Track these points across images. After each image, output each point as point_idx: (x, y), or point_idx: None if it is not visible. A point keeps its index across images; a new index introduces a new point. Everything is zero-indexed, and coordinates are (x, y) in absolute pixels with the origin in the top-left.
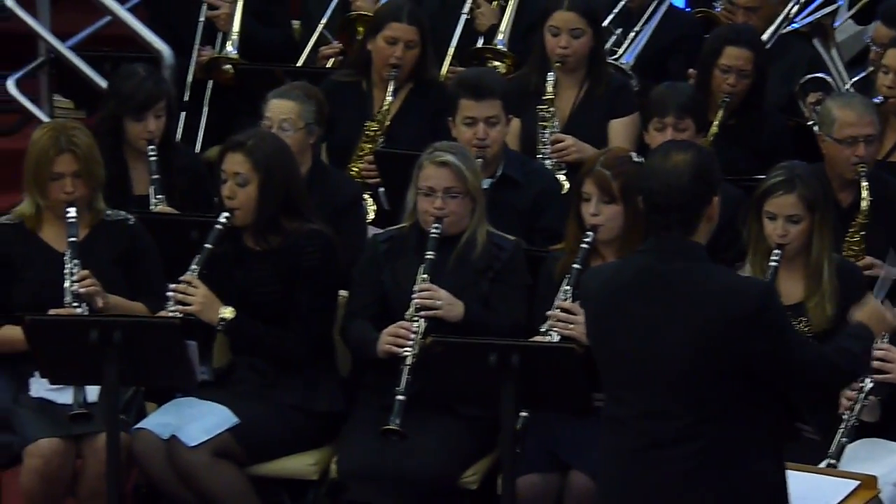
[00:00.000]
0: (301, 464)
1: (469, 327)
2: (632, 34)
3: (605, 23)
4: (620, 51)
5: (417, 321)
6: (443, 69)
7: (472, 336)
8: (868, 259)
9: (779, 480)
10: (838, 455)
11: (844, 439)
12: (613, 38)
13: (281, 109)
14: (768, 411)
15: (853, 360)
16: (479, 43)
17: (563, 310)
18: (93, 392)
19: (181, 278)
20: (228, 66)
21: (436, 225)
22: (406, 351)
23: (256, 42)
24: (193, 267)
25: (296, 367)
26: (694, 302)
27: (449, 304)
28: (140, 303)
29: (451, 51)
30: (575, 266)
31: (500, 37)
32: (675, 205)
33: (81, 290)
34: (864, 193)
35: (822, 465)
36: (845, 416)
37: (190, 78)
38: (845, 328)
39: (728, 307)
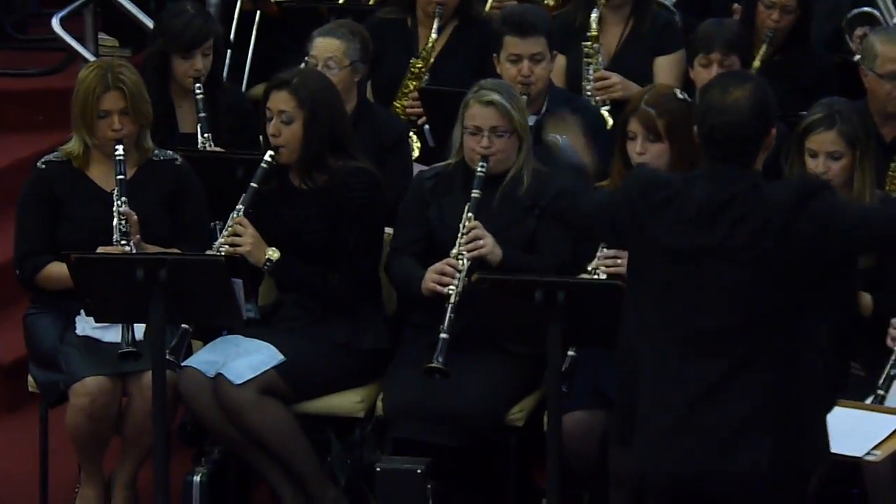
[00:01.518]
0: (347, 401)
1: (508, 271)
2: None
3: None
4: None
5: (462, 259)
6: (487, 4)
7: (516, 273)
8: None
9: (835, 378)
10: (888, 387)
11: (893, 371)
12: None
13: (326, 47)
14: (831, 311)
15: None
16: None
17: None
18: (141, 330)
19: (230, 223)
20: None
21: (482, 163)
22: (450, 289)
23: None
24: (239, 207)
25: (342, 304)
26: (747, 213)
27: (492, 245)
28: (177, 249)
29: None
30: None
31: None
32: (736, 139)
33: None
34: None
35: (869, 399)
36: None
37: (237, 13)
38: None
39: (777, 201)
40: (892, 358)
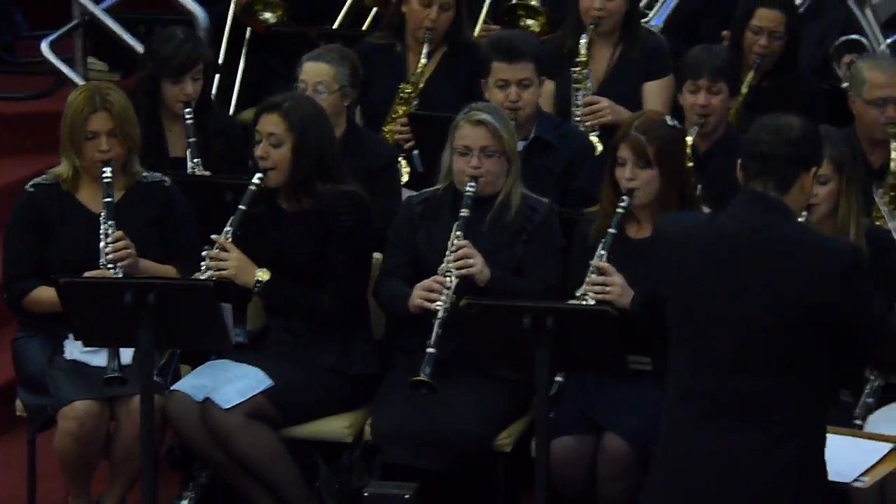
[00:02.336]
0: (335, 426)
1: (495, 292)
2: None
3: None
4: (651, 14)
5: (449, 276)
6: (476, 28)
7: (505, 298)
8: None
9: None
10: (864, 416)
11: (870, 400)
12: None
13: (315, 72)
14: (835, 378)
15: None
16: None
17: (600, 273)
18: (127, 354)
19: (214, 239)
20: (267, 16)
21: (471, 184)
22: (437, 305)
23: None
24: (227, 229)
25: (330, 329)
26: (785, 255)
27: (480, 266)
28: (172, 266)
29: (484, 9)
30: (611, 231)
31: None
32: (778, 155)
33: (111, 254)
34: (894, 154)
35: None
36: (872, 377)
37: (226, 37)
38: None
39: (820, 263)
40: (868, 387)
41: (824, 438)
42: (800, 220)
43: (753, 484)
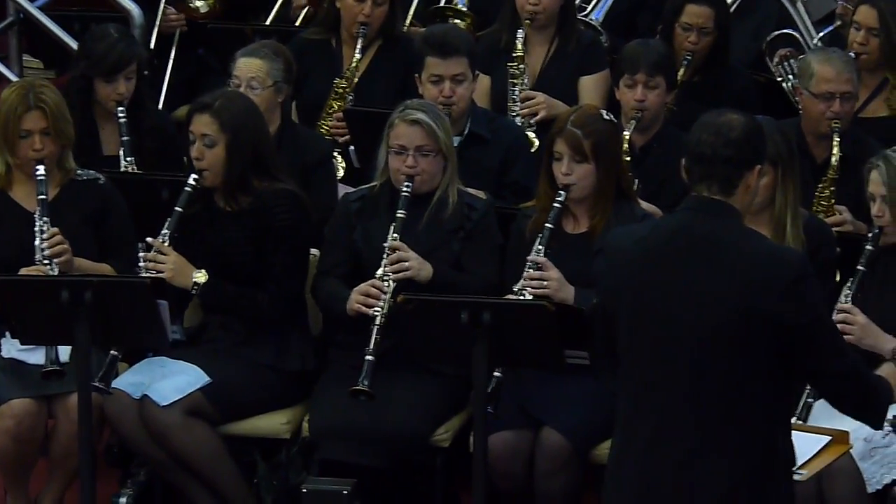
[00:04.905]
0: (273, 423)
1: (438, 288)
2: None
3: None
4: (590, 7)
5: (387, 281)
6: (406, 21)
7: (442, 294)
8: (838, 217)
9: (790, 447)
10: (805, 415)
11: (810, 399)
12: None
13: (249, 68)
14: (791, 382)
15: (875, 392)
16: (442, 1)
17: (536, 268)
18: (64, 353)
19: (151, 243)
20: (198, 4)
21: (407, 183)
22: (375, 311)
23: None
24: (164, 231)
25: (268, 326)
26: (732, 263)
27: (418, 265)
28: (107, 264)
29: (412, 8)
30: (547, 225)
31: None
32: (721, 157)
33: (47, 251)
34: (835, 149)
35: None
36: None
37: (154, 34)
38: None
39: (767, 272)
40: (808, 387)
41: (783, 441)
42: None
43: (711, 493)
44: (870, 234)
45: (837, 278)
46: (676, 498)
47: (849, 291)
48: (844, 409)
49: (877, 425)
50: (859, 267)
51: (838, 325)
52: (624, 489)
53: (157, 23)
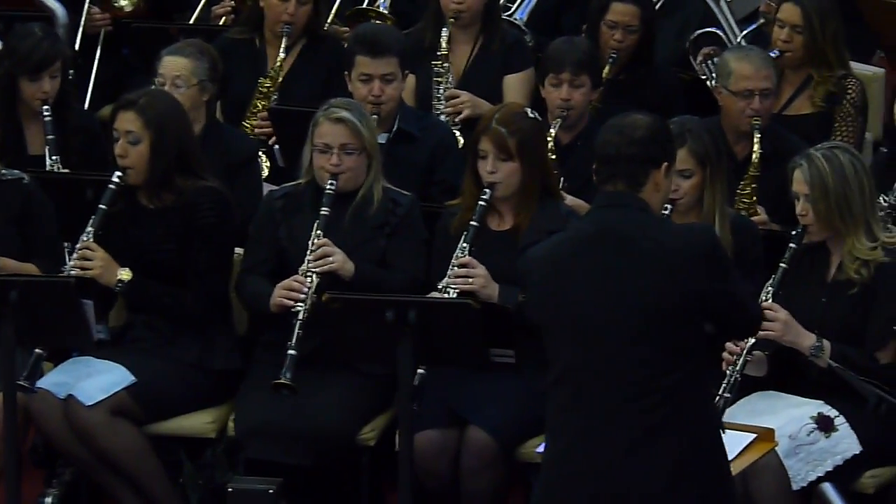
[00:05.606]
0: (198, 422)
1: (361, 285)
2: None
3: None
4: (514, 7)
5: (310, 276)
6: (328, 20)
7: (367, 293)
8: (761, 216)
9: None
10: (721, 412)
11: (728, 395)
12: None
13: (174, 66)
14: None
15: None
16: (365, 2)
17: (462, 265)
18: None
19: (79, 246)
20: (122, 3)
21: (331, 181)
22: (298, 306)
23: None
24: (89, 230)
25: (192, 324)
26: (648, 251)
27: (342, 259)
28: (32, 264)
29: (334, 7)
30: (472, 223)
31: None
32: (625, 155)
33: None
34: (755, 147)
35: None
36: (728, 372)
37: (80, 34)
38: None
39: (681, 253)
40: (725, 382)
41: (714, 426)
42: (663, 213)
43: (647, 482)
44: (793, 233)
45: None
46: (625, 486)
47: (770, 289)
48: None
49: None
50: (782, 264)
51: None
52: (569, 485)
53: (83, 22)
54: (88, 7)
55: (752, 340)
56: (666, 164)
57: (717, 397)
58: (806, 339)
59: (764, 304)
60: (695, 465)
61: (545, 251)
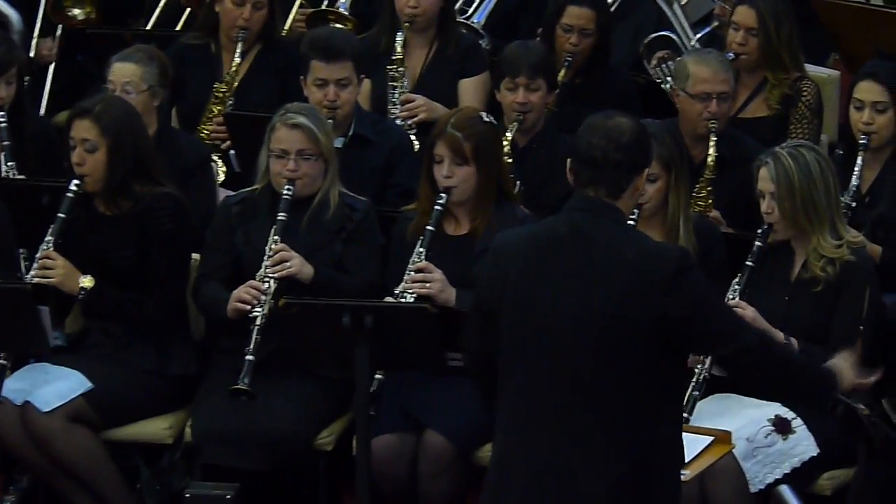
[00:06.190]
0: (156, 428)
1: (319, 289)
2: None
3: None
4: (471, 10)
5: (268, 282)
6: (286, 24)
7: (324, 297)
8: (715, 214)
9: (679, 444)
10: (690, 409)
11: (696, 393)
12: None
13: (123, 73)
14: (678, 379)
15: (799, 368)
16: (324, 5)
17: (418, 270)
18: None
19: (38, 255)
20: (76, 12)
21: (288, 186)
22: (255, 311)
23: None
24: (48, 238)
25: (149, 330)
26: (616, 263)
27: (300, 263)
28: None
29: (294, 10)
30: (428, 228)
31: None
32: (612, 161)
33: None
34: (711, 150)
35: None
36: (697, 370)
37: (35, 39)
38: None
39: (648, 270)
40: (694, 380)
41: (667, 440)
42: (630, 217)
43: (591, 494)
44: (759, 231)
45: None
46: (568, 493)
47: (737, 287)
48: (764, 391)
49: (820, 407)
50: (748, 263)
51: None
52: (514, 489)
53: (37, 29)
54: (37, 42)
55: None
56: (646, 169)
57: (686, 397)
58: (774, 337)
59: (731, 302)
60: (638, 477)
61: (516, 244)
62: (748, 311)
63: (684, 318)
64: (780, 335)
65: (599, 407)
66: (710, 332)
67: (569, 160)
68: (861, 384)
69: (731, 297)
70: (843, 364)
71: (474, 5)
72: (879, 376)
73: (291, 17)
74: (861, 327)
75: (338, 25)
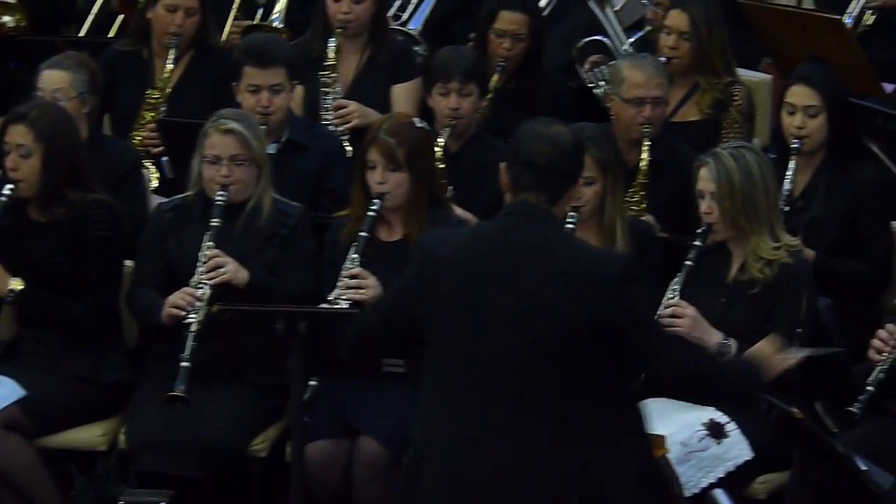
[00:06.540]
0: (90, 435)
1: (254, 294)
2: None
3: None
4: (405, 16)
5: (202, 287)
6: (224, 35)
7: (258, 303)
8: (648, 218)
9: (645, 455)
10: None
11: None
12: (398, 2)
13: (52, 80)
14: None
15: (719, 378)
16: (260, 12)
17: (352, 276)
18: None
19: None
20: (6, 19)
21: (221, 192)
22: (190, 317)
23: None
24: None
25: (83, 337)
26: (557, 269)
27: (235, 268)
28: None
29: (231, 18)
30: (362, 234)
31: (276, 13)
32: (556, 168)
33: None
34: (644, 154)
35: None
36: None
37: None
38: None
39: (590, 276)
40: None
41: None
42: (568, 220)
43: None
44: (698, 231)
45: None
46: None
47: (677, 287)
48: (692, 399)
49: (748, 405)
50: (687, 262)
51: (667, 319)
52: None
53: None
54: None
55: None
56: (581, 176)
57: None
58: (713, 336)
59: (671, 301)
60: (580, 482)
61: (449, 249)
62: (688, 310)
63: (623, 327)
64: (718, 335)
65: (548, 408)
66: (640, 350)
67: (504, 165)
68: (786, 363)
69: (670, 296)
70: (767, 349)
71: (408, 11)
72: (804, 356)
73: (227, 28)
74: (799, 330)
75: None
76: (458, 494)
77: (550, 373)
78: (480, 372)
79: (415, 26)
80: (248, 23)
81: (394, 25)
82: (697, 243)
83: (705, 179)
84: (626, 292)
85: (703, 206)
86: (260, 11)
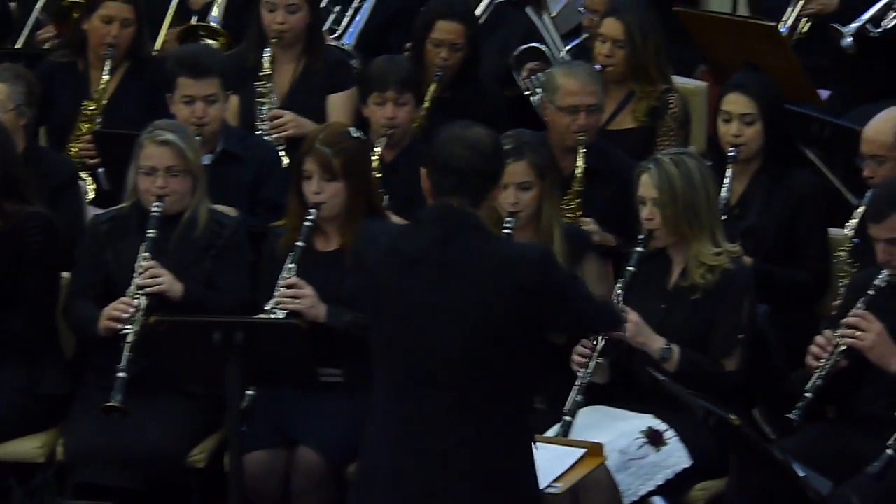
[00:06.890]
0: (27, 447)
1: (190, 306)
2: (350, 10)
3: (325, 2)
4: (340, 29)
5: (138, 299)
6: (157, 44)
7: (194, 314)
8: (591, 226)
9: (531, 457)
10: (574, 412)
11: (579, 397)
12: (333, 15)
13: None
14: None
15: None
16: (194, 20)
17: (289, 286)
18: None
19: None
20: None
21: (157, 203)
22: (126, 328)
23: None
24: None
25: (19, 349)
26: (484, 267)
27: (170, 280)
28: None
29: (164, 27)
30: (298, 244)
31: (214, 13)
32: (476, 171)
33: None
34: (579, 162)
35: (553, 429)
36: (580, 374)
37: None
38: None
39: (514, 276)
40: (577, 384)
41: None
42: (506, 225)
43: (454, 492)
44: (640, 237)
45: None
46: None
47: (620, 292)
48: None
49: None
50: (629, 267)
51: None
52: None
53: None
54: None
55: (603, 343)
56: (501, 179)
57: (569, 401)
58: (656, 342)
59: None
60: (503, 479)
61: (381, 252)
62: (632, 315)
63: (557, 311)
64: (661, 341)
65: (468, 408)
66: (579, 316)
67: (425, 169)
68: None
69: (614, 300)
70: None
71: (343, 24)
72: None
73: (163, 34)
74: (740, 336)
75: (209, 41)
76: (387, 495)
77: (483, 370)
78: (417, 373)
79: (349, 41)
80: (185, 25)
81: (328, 41)
82: (639, 249)
83: (647, 185)
84: (548, 264)
85: (645, 212)
86: (194, 19)
